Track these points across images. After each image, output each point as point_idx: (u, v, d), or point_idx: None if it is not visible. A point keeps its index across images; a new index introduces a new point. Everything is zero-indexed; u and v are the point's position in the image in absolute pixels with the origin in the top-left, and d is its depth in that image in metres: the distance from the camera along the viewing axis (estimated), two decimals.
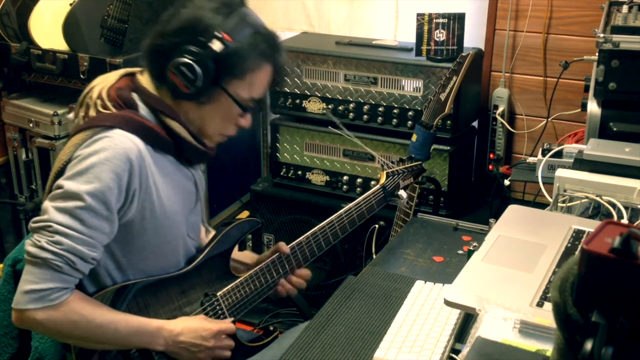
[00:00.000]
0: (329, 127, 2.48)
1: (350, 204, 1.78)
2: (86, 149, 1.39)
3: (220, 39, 1.42)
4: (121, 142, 1.39)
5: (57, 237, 1.34)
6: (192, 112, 1.51)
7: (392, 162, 1.93)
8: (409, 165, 1.95)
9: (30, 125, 2.96)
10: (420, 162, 2.01)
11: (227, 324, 1.58)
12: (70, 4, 2.73)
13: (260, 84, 1.51)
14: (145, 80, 1.51)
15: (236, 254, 1.76)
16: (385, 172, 1.88)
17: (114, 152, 1.38)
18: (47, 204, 1.37)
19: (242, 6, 1.48)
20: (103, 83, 1.50)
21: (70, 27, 2.75)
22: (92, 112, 1.46)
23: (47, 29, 2.80)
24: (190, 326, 1.52)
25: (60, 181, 1.38)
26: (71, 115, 1.54)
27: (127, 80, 1.52)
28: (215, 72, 1.44)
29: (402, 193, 1.89)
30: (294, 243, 1.69)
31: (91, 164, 1.37)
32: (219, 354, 1.56)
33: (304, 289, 1.74)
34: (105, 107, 1.45)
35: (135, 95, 1.48)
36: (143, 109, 1.48)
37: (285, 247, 1.69)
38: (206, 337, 1.52)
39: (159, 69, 1.47)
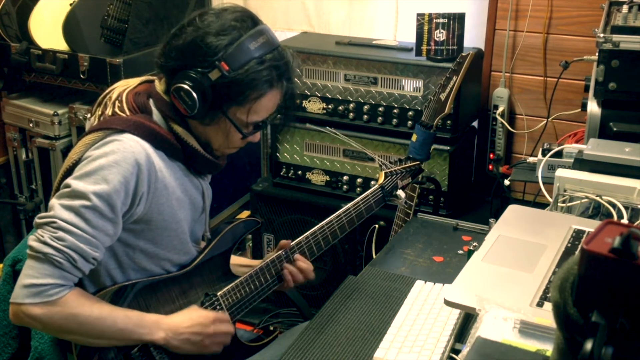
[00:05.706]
0: (329, 127, 2.48)
1: (349, 204, 1.77)
2: (96, 150, 1.41)
3: (219, 68, 1.41)
4: (130, 146, 1.41)
5: (61, 234, 1.35)
6: (197, 129, 1.52)
7: (391, 162, 1.93)
8: (407, 165, 1.95)
9: (30, 125, 2.96)
10: (418, 162, 2.01)
11: (222, 314, 1.57)
12: (70, 4, 2.73)
13: (263, 109, 1.50)
14: (161, 86, 1.52)
15: (240, 259, 1.76)
16: (383, 172, 1.88)
17: (123, 156, 1.39)
18: (54, 201, 1.39)
19: (251, 28, 1.45)
20: (124, 86, 1.54)
21: (70, 27, 2.75)
22: (108, 111, 1.49)
23: (47, 29, 2.80)
24: (187, 317, 1.52)
25: (69, 180, 1.40)
26: (89, 115, 1.56)
27: (146, 85, 1.54)
28: (214, 99, 1.44)
29: (401, 193, 1.89)
30: (293, 243, 1.69)
31: (100, 166, 1.38)
32: (220, 340, 1.55)
33: (310, 279, 1.71)
34: (122, 109, 1.48)
35: (151, 101, 1.50)
36: (156, 115, 1.50)
37: (287, 242, 1.69)
38: (205, 324, 1.52)
39: (166, 85, 1.49)
